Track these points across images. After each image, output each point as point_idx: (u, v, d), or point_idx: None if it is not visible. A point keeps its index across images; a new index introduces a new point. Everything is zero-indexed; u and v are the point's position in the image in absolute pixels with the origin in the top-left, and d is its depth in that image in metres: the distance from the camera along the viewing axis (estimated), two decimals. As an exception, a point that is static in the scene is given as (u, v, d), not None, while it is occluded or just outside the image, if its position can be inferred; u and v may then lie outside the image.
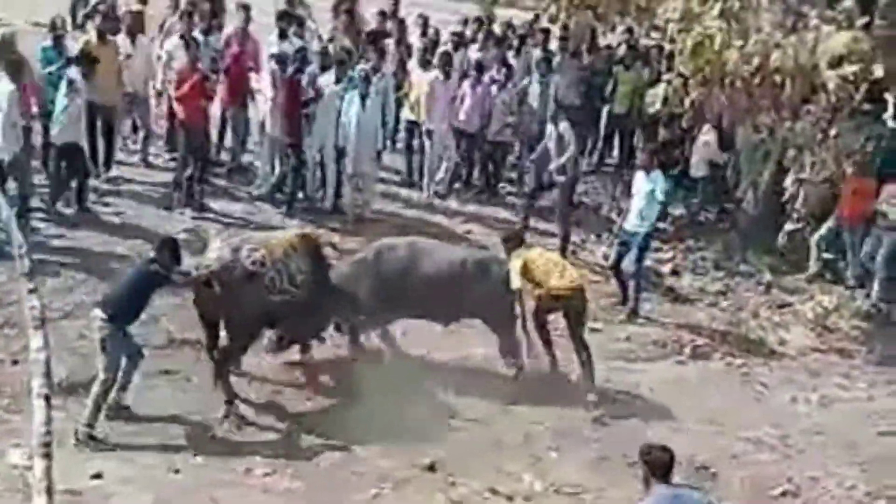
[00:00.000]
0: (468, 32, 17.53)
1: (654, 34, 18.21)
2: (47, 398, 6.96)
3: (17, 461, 8.79)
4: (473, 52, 16.65)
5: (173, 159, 14.84)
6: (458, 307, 11.12)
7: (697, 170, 16.10)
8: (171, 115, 14.67)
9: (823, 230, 14.50)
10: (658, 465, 6.96)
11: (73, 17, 17.21)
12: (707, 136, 15.91)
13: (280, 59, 14.22)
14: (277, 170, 14.59)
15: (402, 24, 17.26)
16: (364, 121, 14.18)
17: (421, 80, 15.50)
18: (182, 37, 14.60)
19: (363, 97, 14.13)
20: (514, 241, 11.56)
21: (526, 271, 11.08)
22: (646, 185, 12.97)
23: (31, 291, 7.75)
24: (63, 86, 12.93)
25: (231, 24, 15.76)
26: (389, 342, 11.32)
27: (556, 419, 10.53)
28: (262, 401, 10.35)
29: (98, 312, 9.53)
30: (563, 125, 14.30)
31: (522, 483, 9.52)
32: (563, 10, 18.54)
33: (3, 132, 11.93)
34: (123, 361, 9.57)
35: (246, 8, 15.64)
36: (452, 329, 11.44)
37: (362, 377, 10.43)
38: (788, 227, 14.79)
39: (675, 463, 6.98)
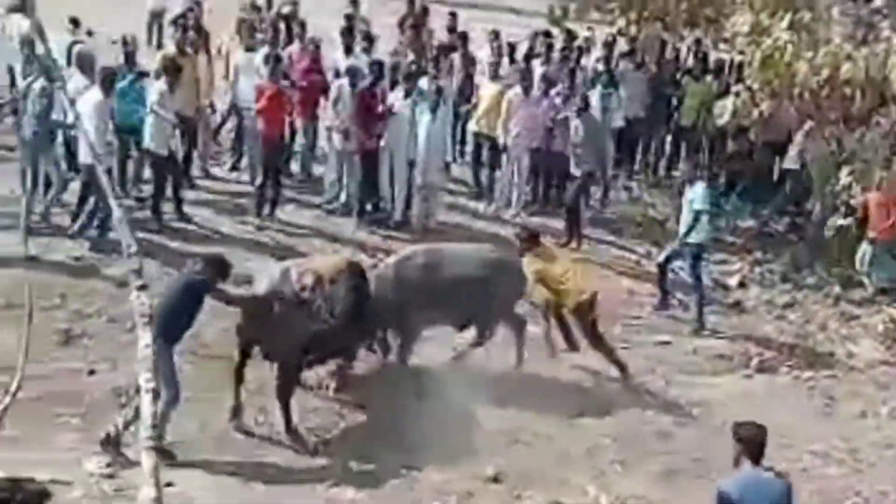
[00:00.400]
0: (538, 46, 17.63)
1: (722, 46, 18.18)
2: (155, 393, 7.07)
3: (94, 469, 8.93)
4: (539, 66, 16.74)
5: (235, 169, 15.47)
6: (479, 307, 11.08)
7: (791, 162, 16.04)
8: (239, 127, 15.22)
9: (861, 250, 14.34)
10: (752, 442, 6.96)
11: (150, 34, 17.64)
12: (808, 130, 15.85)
13: (351, 72, 14.46)
14: (345, 181, 14.79)
15: (464, 37, 17.40)
16: (433, 133, 14.40)
17: (491, 93, 15.56)
18: (247, 50, 15.08)
19: (433, 110, 14.34)
20: (529, 241, 11.63)
21: (541, 279, 11.30)
22: (689, 196, 13.00)
23: (140, 289, 7.87)
24: (149, 98, 13.34)
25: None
26: (459, 354, 11.31)
27: (620, 432, 10.51)
28: (326, 413, 10.36)
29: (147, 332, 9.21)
30: (592, 119, 14.52)
31: (587, 496, 9.49)
32: (633, 23, 18.60)
33: (96, 140, 12.07)
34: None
35: (302, 25, 16.16)
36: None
37: (425, 390, 10.43)
38: (837, 221, 14.65)
39: (766, 443, 6.98)
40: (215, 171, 15.62)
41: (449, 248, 11.63)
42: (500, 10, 24.10)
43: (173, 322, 9.25)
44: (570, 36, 17.81)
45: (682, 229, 12.98)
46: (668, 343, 12.52)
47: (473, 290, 10.86)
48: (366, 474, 9.46)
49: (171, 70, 13.56)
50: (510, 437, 10.17)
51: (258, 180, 14.32)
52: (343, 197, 14.80)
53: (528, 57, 16.96)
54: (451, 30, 17.86)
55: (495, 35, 17.38)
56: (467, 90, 16.31)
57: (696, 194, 12.87)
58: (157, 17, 18.00)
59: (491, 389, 10.53)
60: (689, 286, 13.30)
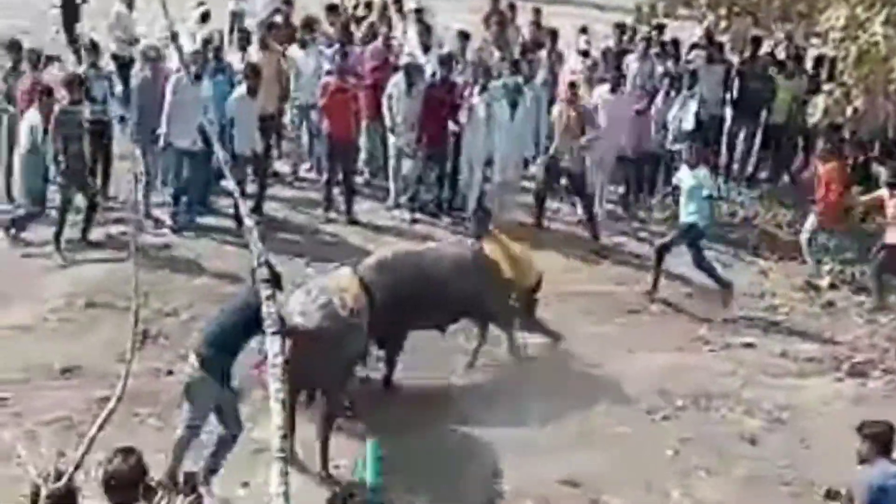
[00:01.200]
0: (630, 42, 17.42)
1: (814, 41, 17.73)
2: (284, 403, 7.06)
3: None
4: (633, 62, 16.50)
5: (310, 168, 15.58)
6: (464, 306, 10.72)
7: None
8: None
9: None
10: (882, 439, 7.15)
11: (231, 33, 17.82)
12: None
13: (408, 70, 14.41)
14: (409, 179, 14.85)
15: (554, 34, 17.16)
16: (512, 129, 14.25)
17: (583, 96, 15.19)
18: (302, 46, 15.23)
19: (512, 106, 14.16)
20: (483, 224, 11.28)
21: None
22: (690, 181, 12.85)
23: (268, 298, 7.88)
24: (230, 101, 13.57)
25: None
26: (541, 354, 11.20)
27: (704, 435, 10.27)
28: (398, 409, 10.22)
29: (192, 357, 8.63)
30: (590, 115, 14.20)
31: (670, 500, 9.30)
32: (723, 18, 18.21)
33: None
34: (213, 436, 8.62)
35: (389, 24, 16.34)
36: (598, 340, 11.39)
37: (505, 390, 10.36)
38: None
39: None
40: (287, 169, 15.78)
41: (416, 250, 11.10)
42: (585, 5, 23.87)
43: (222, 350, 8.51)
44: (660, 31, 17.52)
45: (689, 216, 12.85)
46: (752, 345, 12.22)
47: (448, 289, 10.39)
48: (441, 476, 9.26)
49: (251, 74, 13.69)
50: (588, 438, 9.96)
51: (324, 176, 14.46)
52: (409, 192, 14.76)
53: (606, 53, 16.64)
54: (537, 25, 17.71)
55: (584, 32, 17.17)
56: (551, 88, 16.11)
57: (699, 178, 12.80)
58: (237, 17, 18.22)
59: (566, 390, 10.37)
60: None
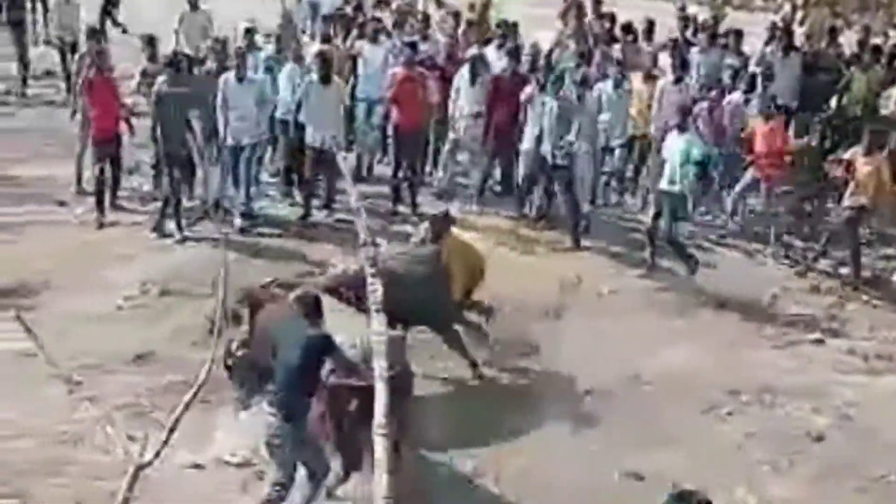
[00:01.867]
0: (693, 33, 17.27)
1: (892, 32, 17.53)
2: (387, 382, 7.23)
3: (226, 456, 9.14)
4: (696, 55, 16.35)
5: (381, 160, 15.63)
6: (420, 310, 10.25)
7: None
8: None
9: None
10: None
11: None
12: None
13: (473, 61, 14.44)
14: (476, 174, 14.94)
15: (628, 28, 16.98)
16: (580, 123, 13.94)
17: (643, 90, 15.02)
18: (372, 40, 15.19)
19: (578, 99, 13.94)
20: (443, 225, 10.93)
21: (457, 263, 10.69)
22: (680, 145, 12.67)
23: (373, 276, 8.08)
24: (301, 90, 13.56)
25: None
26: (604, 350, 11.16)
27: (769, 432, 10.21)
28: (455, 410, 10.19)
29: (268, 408, 8.04)
30: (568, 104, 13.78)
31: (734, 496, 9.23)
32: (800, 8, 18.11)
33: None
34: (305, 480, 8.11)
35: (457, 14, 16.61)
36: (660, 336, 11.39)
37: (567, 384, 10.40)
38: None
39: None
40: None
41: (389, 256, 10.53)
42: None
43: (298, 398, 7.97)
44: (716, 22, 17.38)
45: (678, 182, 12.71)
46: (821, 342, 12.10)
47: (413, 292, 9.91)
48: (502, 472, 9.27)
49: (321, 62, 13.59)
50: (651, 433, 9.92)
51: (391, 169, 14.55)
52: (476, 187, 14.75)
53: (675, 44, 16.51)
54: (601, 17, 17.61)
55: (649, 25, 17.04)
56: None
57: (689, 143, 12.66)
58: (313, 7, 18.37)
59: (629, 385, 10.49)
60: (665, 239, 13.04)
